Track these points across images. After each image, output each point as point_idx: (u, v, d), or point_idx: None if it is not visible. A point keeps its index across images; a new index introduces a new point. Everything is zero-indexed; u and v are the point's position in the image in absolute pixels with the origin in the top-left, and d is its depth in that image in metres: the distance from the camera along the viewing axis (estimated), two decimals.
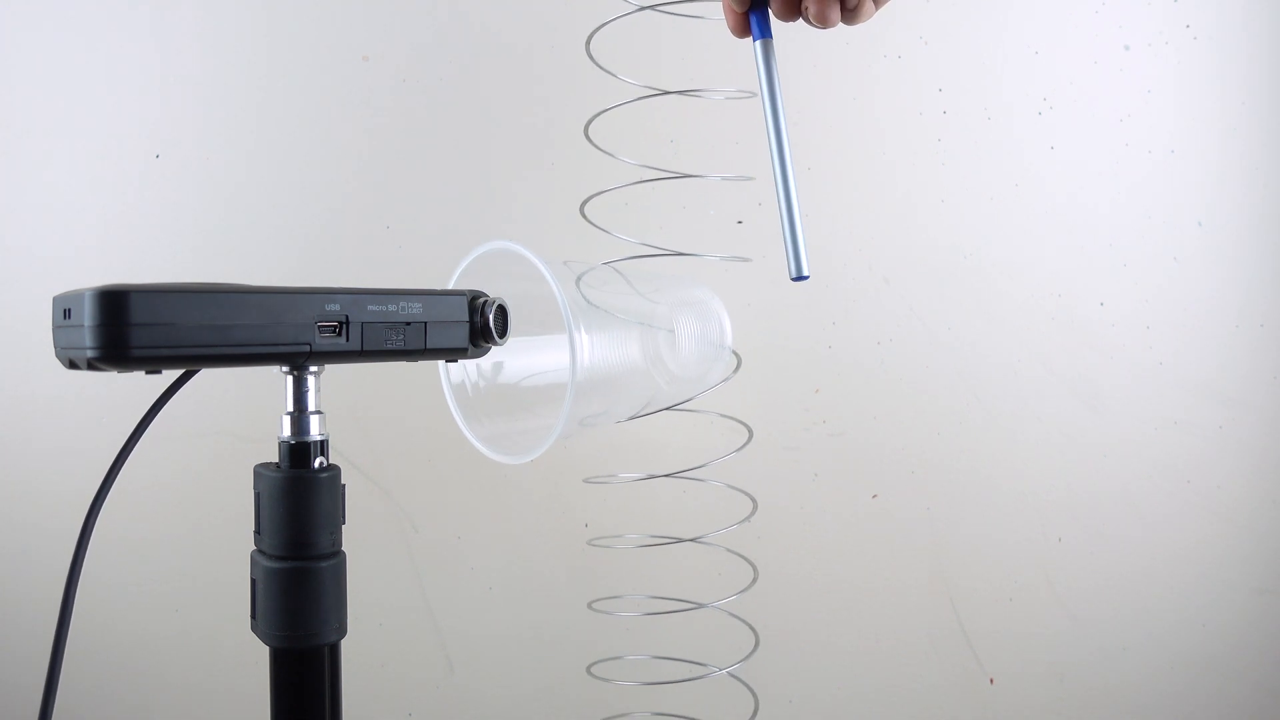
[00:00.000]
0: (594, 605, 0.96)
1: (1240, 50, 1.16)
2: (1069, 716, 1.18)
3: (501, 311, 0.61)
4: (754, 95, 0.86)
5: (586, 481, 0.99)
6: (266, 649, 0.53)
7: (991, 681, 1.17)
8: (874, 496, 1.16)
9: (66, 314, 0.46)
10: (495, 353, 0.73)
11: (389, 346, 0.56)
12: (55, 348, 0.48)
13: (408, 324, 0.57)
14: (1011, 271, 1.15)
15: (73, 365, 0.47)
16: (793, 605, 1.14)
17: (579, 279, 0.70)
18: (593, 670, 0.95)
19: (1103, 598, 1.18)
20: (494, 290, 0.64)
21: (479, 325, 0.61)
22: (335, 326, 0.53)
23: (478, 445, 0.71)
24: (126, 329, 0.45)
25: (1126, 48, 1.16)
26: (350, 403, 1.09)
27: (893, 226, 1.15)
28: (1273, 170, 1.16)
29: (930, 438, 1.16)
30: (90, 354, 0.45)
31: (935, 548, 1.16)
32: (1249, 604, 1.18)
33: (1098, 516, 1.17)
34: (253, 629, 0.53)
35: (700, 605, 0.86)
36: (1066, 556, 1.17)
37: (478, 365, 0.76)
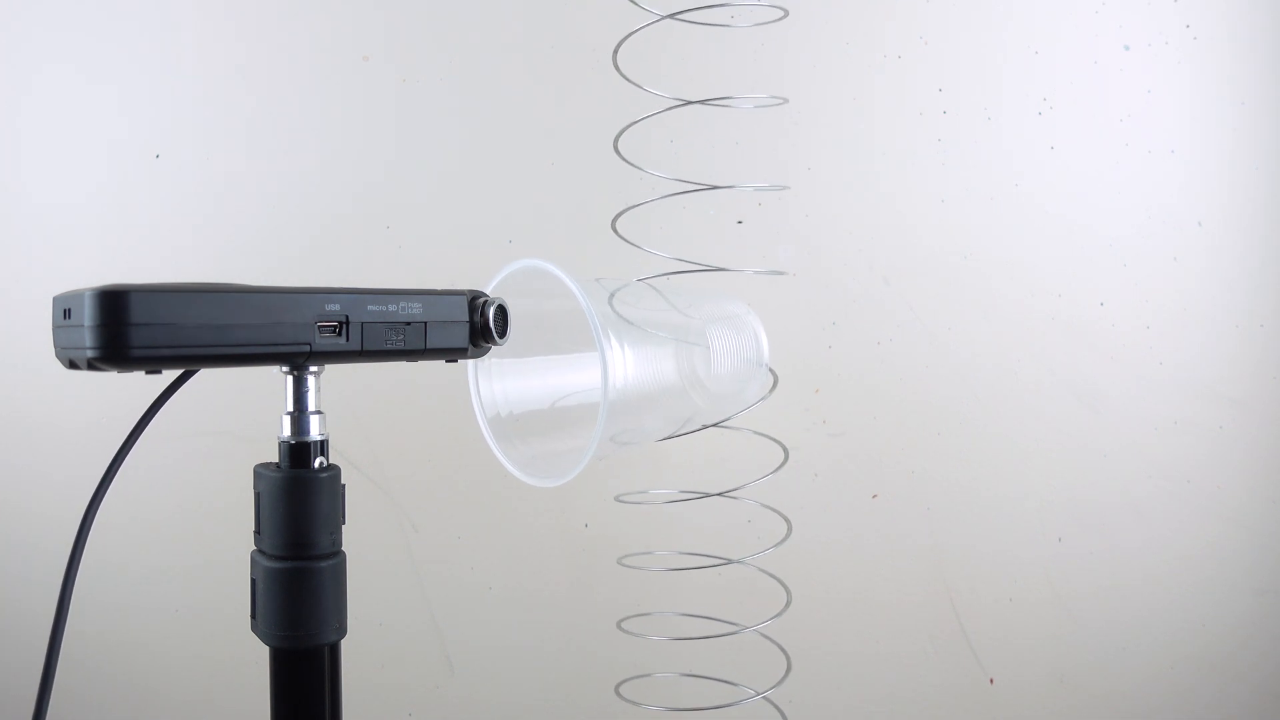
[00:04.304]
0: (623, 625, 0.92)
1: (1240, 50, 1.16)
2: (1069, 717, 1.18)
3: (501, 311, 0.61)
4: (782, 102, 0.86)
5: (618, 500, 0.94)
6: (266, 649, 0.53)
7: (991, 682, 1.17)
8: (874, 496, 1.16)
9: (66, 314, 0.46)
10: (530, 371, 0.71)
11: (389, 346, 0.56)
12: (55, 348, 0.48)
13: (408, 324, 0.57)
14: (1011, 271, 1.15)
15: (73, 365, 0.47)
16: (791, 605, 1.14)
17: (612, 295, 0.69)
18: (620, 690, 0.90)
19: (1103, 598, 1.17)
20: (528, 309, 0.63)
21: (479, 325, 0.60)
22: (335, 326, 0.53)
23: (511, 469, 0.69)
24: (126, 329, 0.45)
25: (1126, 48, 1.16)
26: (350, 403, 1.09)
27: (893, 226, 1.15)
28: (1273, 170, 1.16)
29: (930, 438, 1.16)
30: (90, 354, 0.45)
31: (935, 548, 1.16)
32: (1250, 605, 1.18)
33: (1098, 517, 1.17)
34: (253, 629, 0.53)
35: (737, 629, 0.83)
36: (1067, 557, 1.17)
37: (513, 385, 0.73)
